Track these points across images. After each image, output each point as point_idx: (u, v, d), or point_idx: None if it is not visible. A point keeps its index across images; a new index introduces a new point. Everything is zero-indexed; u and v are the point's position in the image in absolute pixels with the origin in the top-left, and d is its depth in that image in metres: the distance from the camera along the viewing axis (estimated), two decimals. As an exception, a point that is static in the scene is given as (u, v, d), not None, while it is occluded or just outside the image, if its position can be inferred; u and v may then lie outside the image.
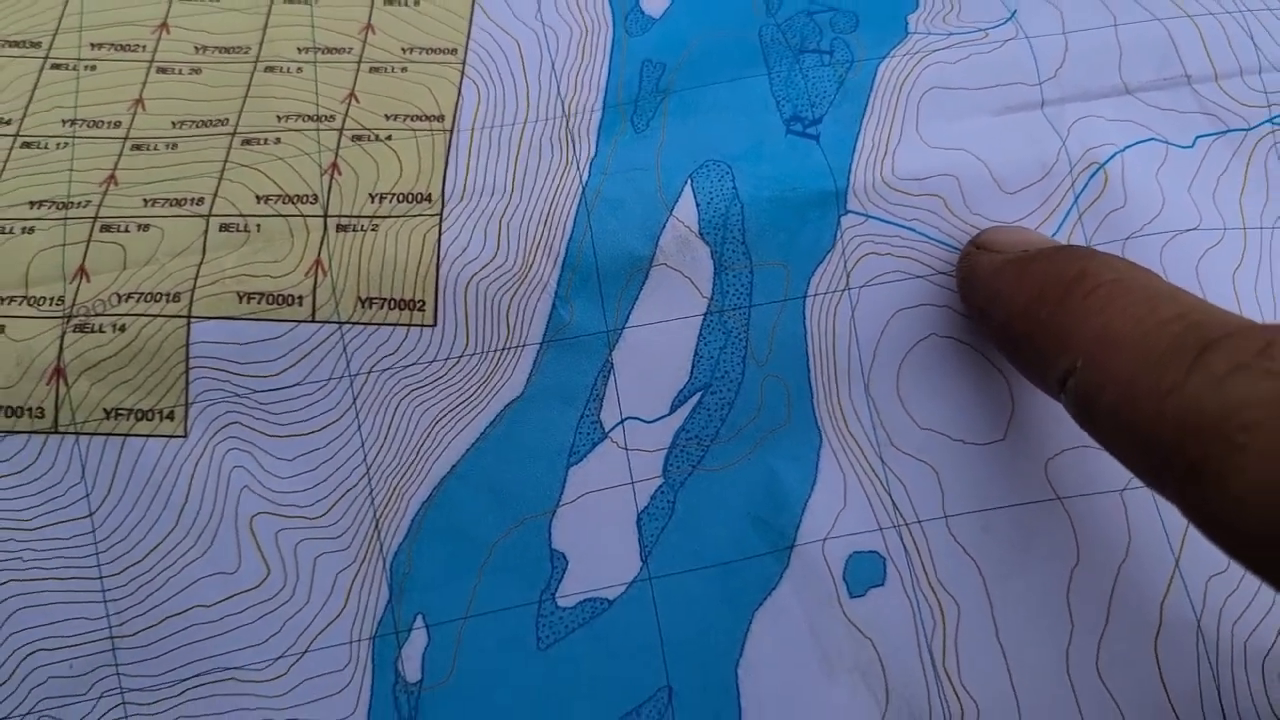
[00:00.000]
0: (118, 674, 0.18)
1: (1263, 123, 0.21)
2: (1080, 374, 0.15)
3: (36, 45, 0.22)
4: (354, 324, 0.19)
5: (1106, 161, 0.20)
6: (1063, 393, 0.16)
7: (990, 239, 0.19)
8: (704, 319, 0.20)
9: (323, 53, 0.22)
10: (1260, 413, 0.13)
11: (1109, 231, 0.20)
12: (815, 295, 0.20)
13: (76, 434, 0.19)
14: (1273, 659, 0.19)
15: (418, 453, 0.19)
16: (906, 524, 0.20)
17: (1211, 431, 0.13)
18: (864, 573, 0.19)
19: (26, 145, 0.21)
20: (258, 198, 0.20)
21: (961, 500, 0.20)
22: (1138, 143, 0.20)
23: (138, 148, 0.21)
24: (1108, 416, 0.15)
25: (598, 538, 0.19)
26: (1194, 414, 0.13)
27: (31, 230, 0.20)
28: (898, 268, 0.20)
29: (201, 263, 0.19)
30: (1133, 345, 0.15)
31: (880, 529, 0.20)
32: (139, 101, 0.21)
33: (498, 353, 0.19)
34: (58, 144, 0.21)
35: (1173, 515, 0.19)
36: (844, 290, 0.20)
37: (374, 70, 0.22)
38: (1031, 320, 0.17)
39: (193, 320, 0.19)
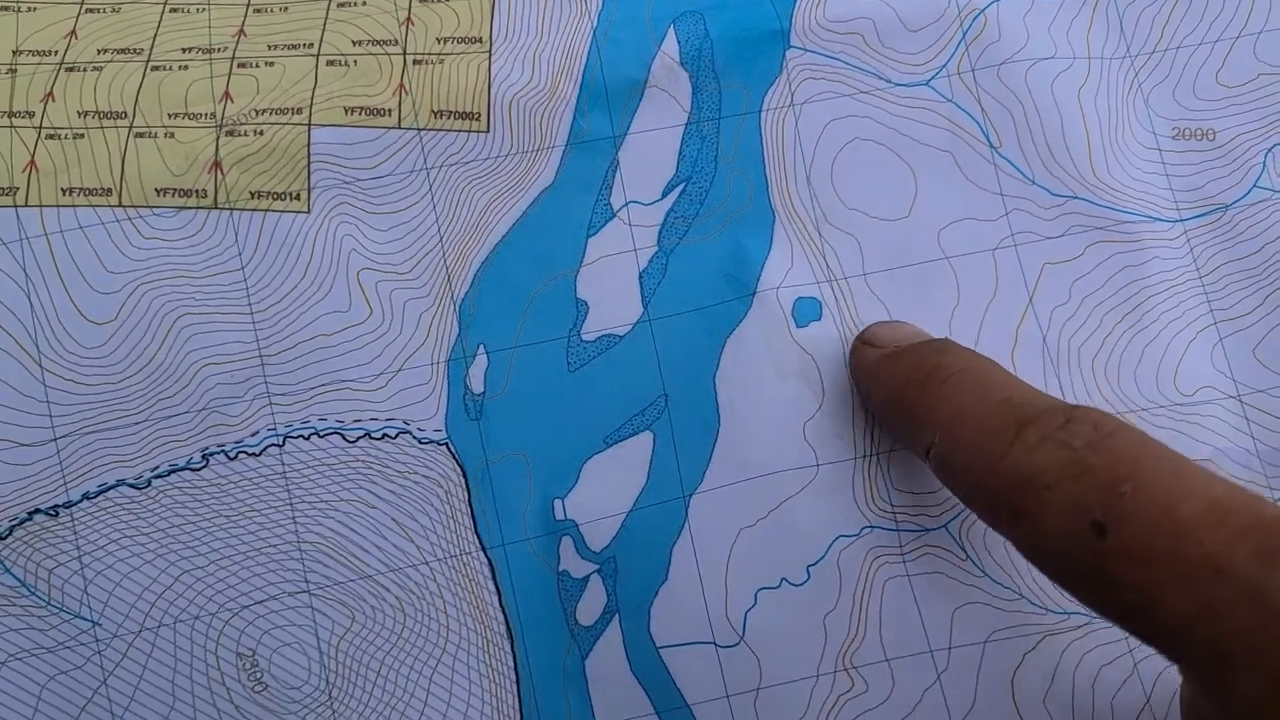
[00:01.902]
0: (265, 382, 0.25)
1: (1108, -19, 0.27)
2: (938, 444, 0.20)
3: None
4: (429, 130, 0.26)
5: (985, 8, 0.27)
6: (928, 458, 0.21)
7: (873, 334, 0.25)
8: (685, 128, 0.27)
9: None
10: (1057, 473, 0.17)
11: (988, 58, 0.26)
12: (768, 110, 0.27)
13: (230, 209, 0.26)
14: (1098, 362, 0.26)
15: (477, 226, 0.26)
16: (836, 280, 0.26)
17: (1026, 488, 0.18)
18: (806, 311, 0.26)
19: (174, 11, 0.27)
20: (353, 42, 0.27)
21: (876, 261, 0.26)
22: (1011, -4, 0.27)
23: (258, 11, 0.27)
24: (959, 475, 0.20)
25: (610, 290, 0.26)
26: (1015, 475, 0.18)
27: (185, 68, 0.26)
28: (830, 89, 0.27)
29: (315, 87, 0.26)
30: (975, 422, 0.19)
31: (817, 282, 0.26)
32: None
33: (534, 153, 0.26)
34: (197, 9, 0.27)
35: (1031, 265, 0.26)
36: (789, 106, 0.27)
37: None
38: (902, 403, 0.22)
39: (312, 127, 0.26)
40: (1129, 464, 0.16)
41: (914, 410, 0.21)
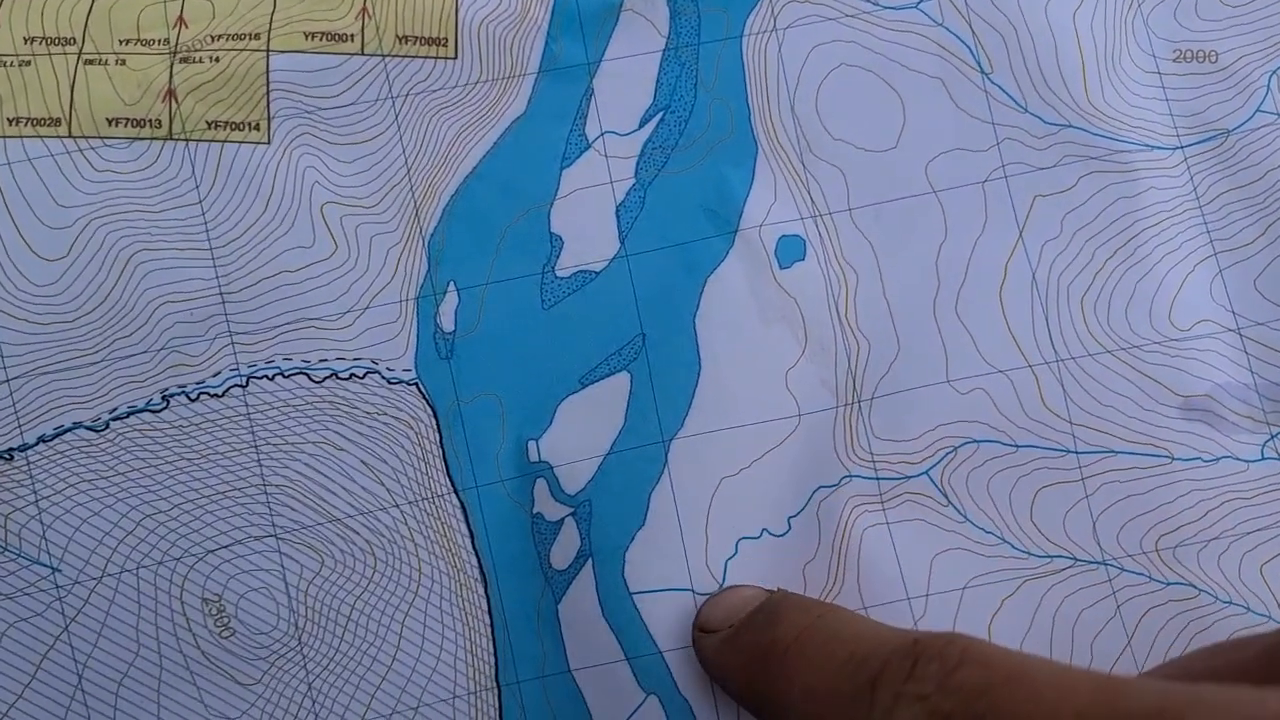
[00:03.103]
0: (227, 320, 0.24)
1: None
2: None
3: None
4: (394, 56, 0.25)
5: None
6: None
7: (706, 618, 0.23)
8: (663, 54, 0.25)
9: None
10: None
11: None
12: (750, 35, 0.25)
13: (186, 140, 0.24)
14: (1088, 299, 0.25)
15: (446, 157, 0.25)
16: (821, 215, 0.25)
17: None
18: (790, 251, 0.25)
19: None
20: (313, -38, 0.25)
21: (862, 195, 0.25)
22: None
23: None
24: None
25: (585, 224, 0.25)
26: None
27: (136, -10, 0.25)
28: (815, 13, 0.25)
29: (274, 11, 0.25)
30: (828, 697, 0.18)
31: (801, 218, 0.25)
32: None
33: (505, 80, 0.25)
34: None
35: (1022, 198, 0.25)
36: (772, 31, 0.25)
37: None
38: (754, 692, 0.20)
39: (270, 53, 0.24)
40: (981, 695, 0.15)
41: (768, 698, 0.20)
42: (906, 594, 0.24)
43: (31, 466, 0.24)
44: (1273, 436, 0.25)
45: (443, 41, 0.25)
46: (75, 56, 0.25)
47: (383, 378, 0.25)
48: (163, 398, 0.24)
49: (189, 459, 0.24)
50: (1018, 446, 0.25)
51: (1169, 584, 0.24)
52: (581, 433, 0.25)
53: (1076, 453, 0.25)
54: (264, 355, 0.24)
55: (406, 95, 0.25)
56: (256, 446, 0.24)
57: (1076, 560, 0.24)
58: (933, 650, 0.17)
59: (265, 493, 0.24)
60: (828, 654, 0.19)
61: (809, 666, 0.19)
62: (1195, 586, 0.24)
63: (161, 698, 0.24)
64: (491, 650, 0.24)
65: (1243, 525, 0.24)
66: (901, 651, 0.17)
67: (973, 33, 0.25)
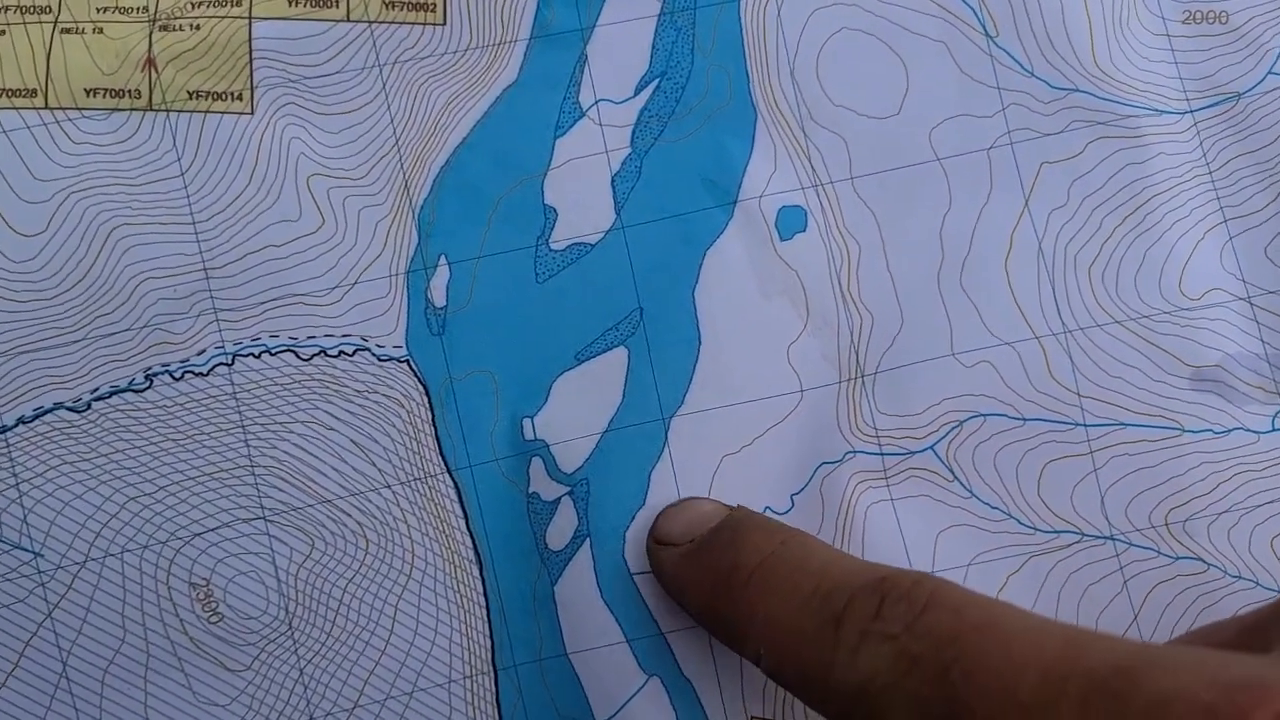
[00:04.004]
0: (211, 297, 0.24)
1: None
2: (765, 658, 0.19)
3: None
4: (381, 23, 0.24)
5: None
6: (758, 667, 0.19)
7: (663, 530, 0.22)
8: (658, 18, 0.25)
9: None
10: (886, 675, 0.16)
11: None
12: (749, -2, 0.25)
13: (167, 111, 0.24)
14: (1096, 268, 0.24)
15: (435, 127, 0.24)
16: (822, 184, 0.25)
17: (863, 698, 0.16)
18: (791, 222, 0.25)
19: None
20: (296, -74, 0.24)
21: (864, 163, 0.25)
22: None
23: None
24: (797, 689, 0.18)
25: (580, 195, 0.24)
26: (850, 685, 0.16)
27: (113, -45, 0.24)
28: (815, -25, 0.25)
29: (255, -24, 0.24)
30: (790, 630, 0.18)
31: (802, 188, 0.25)
32: None
33: (495, 46, 0.24)
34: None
35: (1028, 165, 0.24)
36: (772, -7, 0.25)
37: None
38: (714, 612, 0.20)
39: (253, 20, 0.24)
40: (950, 642, 0.15)
41: (728, 621, 0.20)
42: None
43: (11, 449, 0.23)
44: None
45: (430, 7, 0.24)
46: (51, 25, 0.24)
47: (373, 355, 0.24)
48: (146, 377, 0.23)
49: (174, 440, 0.23)
50: (1024, 420, 0.24)
51: (1178, 559, 0.24)
52: (578, 410, 0.24)
53: (1085, 425, 0.24)
54: (250, 332, 0.24)
55: (394, 63, 0.24)
56: (243, 426, 0.24)
57: (1084, 535, 0.24)
58: (900, 589, 0.17)
59: (253, 474, 0.23)
60: (792, 585, 0.18)
61: (772, 595, 0.19)
62: (1204, 561, 0.24)
63: (149, 685, 0.23)
64: (487, 633, 0.24)
65: (1254, 498, 0.24)
66: (868, 589, 0.17)
67: (977, -6, 0.25)
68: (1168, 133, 0.24)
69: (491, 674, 0.24)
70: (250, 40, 0.24)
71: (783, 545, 0.20)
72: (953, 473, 0.24)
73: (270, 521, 0.23)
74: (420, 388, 0.24)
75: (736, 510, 0.23)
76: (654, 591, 0.23)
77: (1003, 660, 0.15)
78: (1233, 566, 0.24)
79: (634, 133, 0.25)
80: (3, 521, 0.23)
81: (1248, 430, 0.24)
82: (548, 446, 0.24)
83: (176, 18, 0.24)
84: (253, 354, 0.24)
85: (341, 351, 0.24)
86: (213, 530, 0.23)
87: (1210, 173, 0.24)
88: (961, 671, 0.15)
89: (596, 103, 0.25)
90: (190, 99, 0.24)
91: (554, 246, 0.24)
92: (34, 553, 0.23)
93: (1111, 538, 0.24)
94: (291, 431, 0.24)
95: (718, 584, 0.20)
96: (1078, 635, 0.15)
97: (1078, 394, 0.24)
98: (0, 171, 0.23)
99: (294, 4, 0.24)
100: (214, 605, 0.23)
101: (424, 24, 0.24)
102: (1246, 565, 0.24)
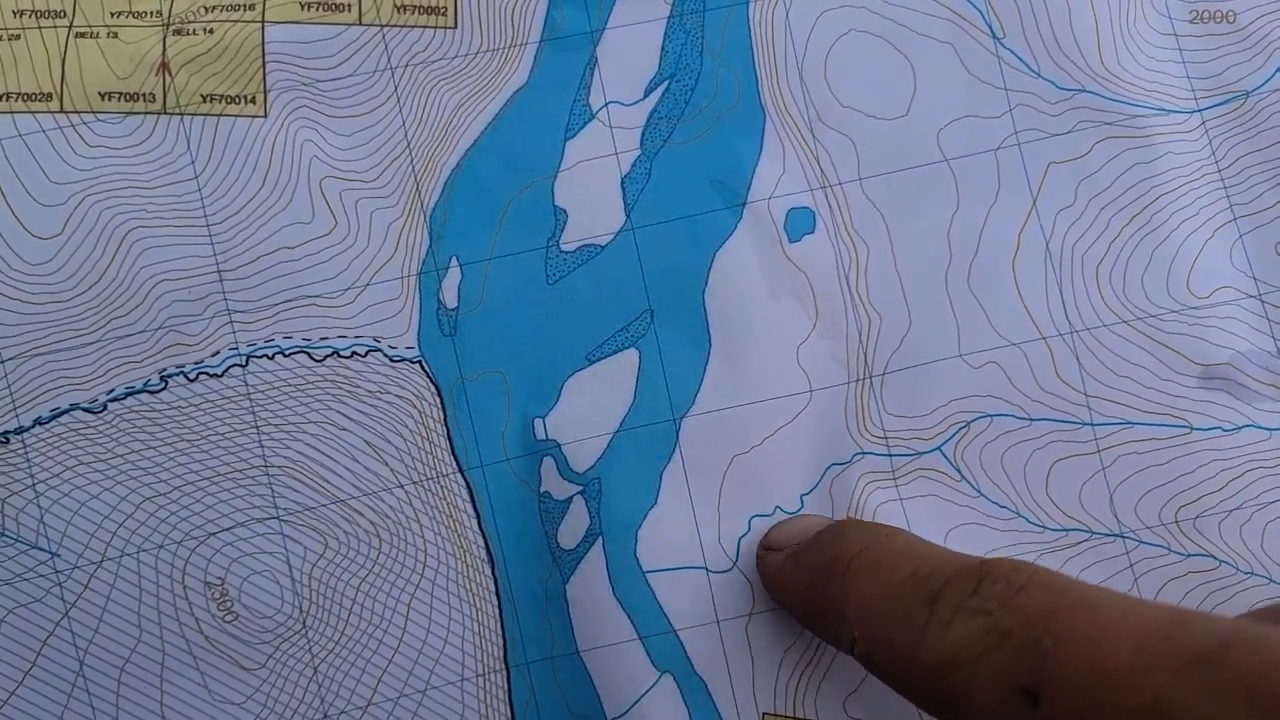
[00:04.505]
0: (225, 299, 0.24)
1: None
2: (858, 642, 0.19)
3: None
4: (393, 26, 0.24)
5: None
6: (854, 656, 0.19)
7: (773, 538, 0.23)
8: (668, 21, 0.25)
9: None
10: (977, 647, 0.16)
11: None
12: (756, 0, 0.25)
13: (181, 114, 0.24)
14: (1103, 268, 0.24)
15: (446, 130, 0.24)
16: (830, 186, 0.25)
17: (950, 669, 0.16)
18: (799, 223, 0.25)
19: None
20: (308, -69, 0.25)
21: (872, 165, 0.25)
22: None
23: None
24: (885, 669, 0.18)
25: (590, 197, 0.25)
26: (937, 659, 0.17)
27: (127, -39, 0.24)
28: (823, -22, 0.25)
29: (268, -20, 0.24)
30: (885, 610, 0.18)
31: (811, 190, 0.25)
32: None
33: (506, 50, 0.25)
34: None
35: (1035, 165, 0.25)
36: (780, -4, 0.25)
37: None
38: (812, 605, 0.20)
39: (266, 24, 0.24)
40: (1045, 619, 0.15)
41: (825, 609, 0.20)
42: (920, 570, 0.24)
43: (28, 450, 0.23)
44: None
45: (441, 10, 0.24)
46: (66, 29, 0.24)
47: (385, 356, 0.24)
48: (161, 378, 0.24)
49: (189, 440, 0.24)
50: (1032, 420, 0.24)
51: (1189, 556, 0.24)
52: (589, 410, 0.24)
53: (1092, 425, 0.24)
54: (264, 334, 0.24)
55: (406, 66, 0.24)
56: (257, 427, 0.24)
57: (1093, 533, 0.24)
58: (999, 572, 0.17)
59: (267, 474, 0.24)
60: (891, 568, 0.19)
61: (869, 580, 0.19)
62: (1216, 558, 0.24)
63: (165, 684, 0.23)
64: (500, 632, 0.24)
65: (1266, 494, 0.24)
66: (967, 571, 0.17)
67: (984, -4, 0.25)
68: (1176, 132, 0.25)
69: (504, 672, 0.24)
70: (263, 44, 0.24)
71: (885, 536, 0.20)
72: (960, 473, 0.24)
73: (284, 521, 0.24)
74: (432, 388, 0.24)
75: (843, 520, 0.23)
76: (666, 590, 0.24)
77: (1098, 634, 0.15)
78: (1244, 563, 0.24)
79: (643, 135, 0.25)
80: (20, 521, 0.23)
81: (1258, 427, 0.24)
82: (559, 446, 0.24)
83: (190, 22, 0.24)
84: (266, 355, 0.24)
85: (354, 352, 0.24)
86: (227, 530, 0.23)
87: (1219, 171, 0.25)
88: (1053, 643, 0.15)
89: (606, 105, 0.25)
90: (204, 102, 0.24)
91: (564, 248, 0.25)
92: (50, 553, 0.23)
93: (1121, 535, 0.24)
94: (305, 432, 0.24)
95: (818, 576, 0.20)
96: (1177, 613, 0.15)
97: (1085, 394, 0.24)
98: (16, 175, 0.24)
99: (307, 7, 0.24)
100: (229, 604, 0.23)
101: (435, 27, 0.24)
102: (1259, 561, 0.24)
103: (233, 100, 0.24)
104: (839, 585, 0.19)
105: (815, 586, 0.20)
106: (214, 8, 0.24)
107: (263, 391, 0.24)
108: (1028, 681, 0.15)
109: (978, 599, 0.16)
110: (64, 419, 0.23)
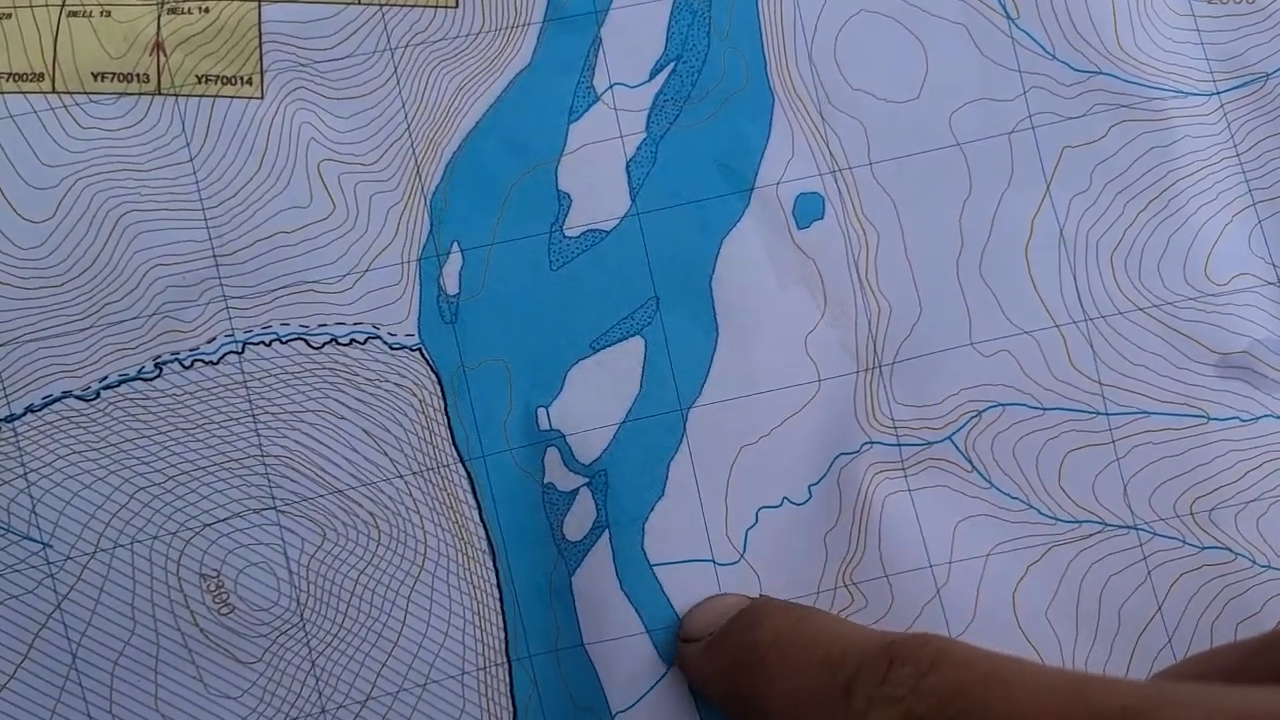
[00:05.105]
0: (221, 284, 0.23)
1: None
2: None
3: None
4: (392, 5, 0.24)
5: None
6: None
7: (689, 628, 0.23)
8: (674, 0, 0.24)
9: None
10: None
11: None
12: (765, -20, 0.24)
13: (176, 95, 0.23)
14: (1119, 254, 0.24)
15: (447, 112, 0.24)
16: (840, 170, 0.24)
17: None
18: (808, 209, 0.24)
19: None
20: (305, -92, 0.24)
21: (883, 148, 0.24)
22: None
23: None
24: None
25: (595, 181, 0.24)
26: None
27: (120, -62, 0.24)
28: (833, -43, 0.24)
29: (265, -42, 0.24)
30: (804, 701, 0.18)
31: (820, 174, 0.24)
32: None
33: (508, 30, 0.24)
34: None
35: (1050, 149, 0.24)
36: (789, -25, 0.24)
37: None
38: (731, 697, 0.20)
39: (262, 3, 0.23)
40: (956, 698, 0.15)
41: (748, 703, 0.20)
42: (929, 561, 0.23)
43: (19, 438, 0.23)
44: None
45: (443, -11, 0.24)
46: (58, 8, 0.23)
47: (384, 343, 0.24)
48: (155, 365, 0.23)
49: (184, 429, 0.23)
50: (1044, 409, 0.24)
51: (1204, 548, 0.23)
52: (594, 400, 0.24)
53: (1106, 414, 0.24)
54: (260, 320, 0.23)
55: (405, 47, 0.24)
56: (254, 415, 0.23)
57: (1106, 525, 0.24)
58: (906, 652, 0.17)
59: (264, 463, 0.23)
60: (805, 657, 0.19)
61: (787, 669, 0.19)
62: (1232, 550, 0.23)
63: (159, 677, 0.23)
64: (501, 624, 0.23)
65: (1284, 486, 0.23)
66: (876, 654, 0.17)
67: (998, -25, 0.24)
68: (1193, 115, 0.24)
69: (506, 665, 0.23)
70: (260, 23, 0.23)
71: (797, 621, 0.20)
72: (971, 463, 0.24)
73: (281, 512, 0.23)
74: (433, 376, 0.24)
75: (758, 599, 0.23)
76: (674, 583, 0.23)
77: (1009, 708, 0.15)
78: (1262, 556, 0.23)
79: (649, 117, 0.24)
80: (11, 512, 0.23)
81: (1277, 417, 0.24)
82: (564, 437, 0.24)
83: (184, 1, 0.23)
84: (263, 342, 0.23)
85: (353, 340, 0.23)
86: (223, 521, 0.23)
87: (1238, 155, 0.24)
88: None
89: (611, 87, 0.24)
90: (199, 83, 0.23)
91: (568, 233, 0.24)
92: (43, 543, 0.23)
93: (1135, 527, 0.24)
94: (302, 421, 0.23)
95: (737, 666, 0.20)
96: (1083, 680, 0.15)
97: (1099, 383, 0.24)
98: (7, 157, 0.23)
99: (304, -13, 0.23)
100: (225, 596, 0.23)
101: (436, 6, 0.24)
102: (1276, 554, 0.23)
103: (229, 81, 0.23)
104: (758, 673, 0.19)
105: (735, 676, 0.20)
106: (209, -14, 0.23)
107: (259, 379, 0.23)
108: None
109: (889, 685, 0.16)
110: (56, 407, 0.23)
